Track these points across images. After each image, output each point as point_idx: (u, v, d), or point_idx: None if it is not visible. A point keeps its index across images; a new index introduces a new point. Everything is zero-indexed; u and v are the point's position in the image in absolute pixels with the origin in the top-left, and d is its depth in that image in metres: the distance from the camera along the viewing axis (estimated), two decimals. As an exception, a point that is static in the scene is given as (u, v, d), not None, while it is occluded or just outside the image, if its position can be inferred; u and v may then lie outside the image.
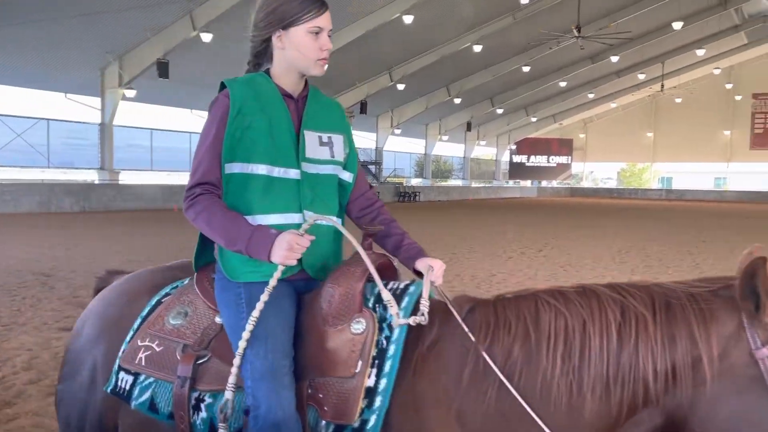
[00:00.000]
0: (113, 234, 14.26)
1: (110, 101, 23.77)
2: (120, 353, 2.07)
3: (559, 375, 1.62)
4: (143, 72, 22.78)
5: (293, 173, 2.00)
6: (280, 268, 1.84)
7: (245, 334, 1.81)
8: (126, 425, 2.03)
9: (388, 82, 31.06)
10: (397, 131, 38.17)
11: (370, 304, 1.89)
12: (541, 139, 51.25)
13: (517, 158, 51.07)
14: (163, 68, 22.25)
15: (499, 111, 42.67)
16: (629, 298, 1.65)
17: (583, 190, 52.37)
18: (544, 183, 52.33)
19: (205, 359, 1.96)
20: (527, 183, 52.25)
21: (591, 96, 44.39)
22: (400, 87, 31.75)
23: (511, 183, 51.54)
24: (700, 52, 37.33)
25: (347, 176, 2.16)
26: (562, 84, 39.41)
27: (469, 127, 42.46)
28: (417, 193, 37.63)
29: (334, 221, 1.96)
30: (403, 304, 1.86)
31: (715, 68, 42.98)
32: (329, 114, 2.14)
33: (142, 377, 2.02)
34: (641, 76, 41.35)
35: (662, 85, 40.18)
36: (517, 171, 51.38)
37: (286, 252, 1.81)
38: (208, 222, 1.91)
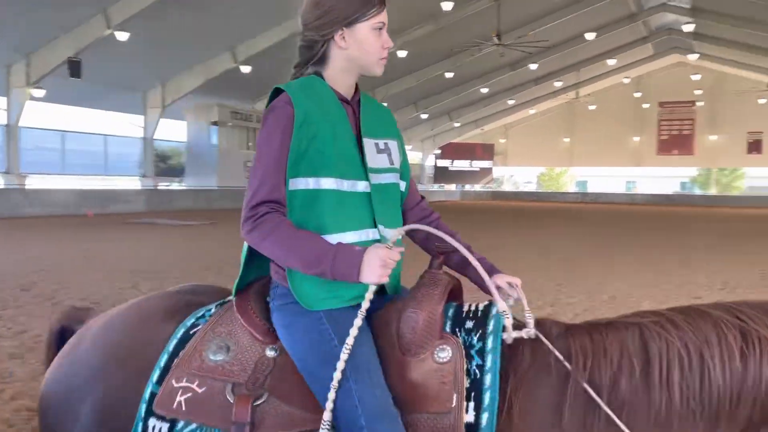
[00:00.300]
0: (20, 241, 13.41)
1: (16, 101, 22.39)
2: (146, 395, 1.77)
3: (678, 405, 1.54)
4: (53, 71, 21.59)
5: (362, 185, 1.82)
6: (372, 288, 1.64)
7: (340, 365, 1.61)
8: None
9: (313, 86, 30.84)
10: (323, 135, 38.00)
11: (448, 328, 1.72)
12: (464, 144, 52.38)
13: (441, 162, 52.00)
14: (74, 67, 21.16)
15: (424, 116, 43.30)
16: (749, 321, 1.58)
17: (504, 194, 53.87)
18: (467, 187, 53.51)
19: (263, 400, 1.71)
20: (452, 187, 53.28)
21: (511, 102, 45.78)
22: (326, 91, 31.62)
23: (436, 187, 52.40)
24: (612, 62, 39.30)
25: (401, 185, 2.00)
26: (484, 90, 40.46)
27: (394, 131, 42.80)
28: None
29: (430, 229, 1.81)
30: (490, 328, 1.70)
31: (625, 77, 45.29)
32: (383, 119, 1.99)
33: (180, 424, 1.74)
34: (558, 84, 43.04)
35: (577, 93, 41.97)
36: (441, 175, 52.27)
37: (379, 269, 1.62)
38: (281, 244, 1.69)
